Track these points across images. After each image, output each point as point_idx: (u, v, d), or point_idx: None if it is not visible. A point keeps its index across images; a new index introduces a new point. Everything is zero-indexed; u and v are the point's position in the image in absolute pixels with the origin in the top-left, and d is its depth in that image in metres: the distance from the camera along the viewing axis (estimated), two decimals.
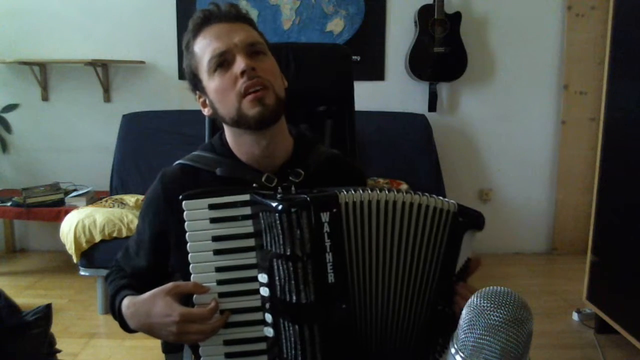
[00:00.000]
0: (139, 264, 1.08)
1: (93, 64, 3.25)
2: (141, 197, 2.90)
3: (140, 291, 0.97)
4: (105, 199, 2.89)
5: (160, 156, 3.09)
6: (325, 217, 0.84)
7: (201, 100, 1.05)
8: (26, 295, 2.83)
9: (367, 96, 3.16)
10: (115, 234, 2.48)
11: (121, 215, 2.54)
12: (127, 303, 0.96)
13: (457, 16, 3.28)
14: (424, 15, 3.27)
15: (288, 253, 0.83)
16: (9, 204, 2.97)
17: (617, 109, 2.24)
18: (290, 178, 1.01)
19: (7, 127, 3.46)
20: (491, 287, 0.68)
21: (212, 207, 0.89)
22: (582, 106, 3.45)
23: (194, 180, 1.02)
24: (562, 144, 3.51)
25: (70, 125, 3.46)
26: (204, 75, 0.99)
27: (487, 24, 3.43)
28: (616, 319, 2.21)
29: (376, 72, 3.45)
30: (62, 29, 3.37)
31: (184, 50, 1.03)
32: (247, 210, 0.89)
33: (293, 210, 0.83)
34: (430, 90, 3.42)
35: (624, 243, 2.17)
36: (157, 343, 1.14)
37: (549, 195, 3.60)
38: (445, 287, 0.91)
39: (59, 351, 1.70)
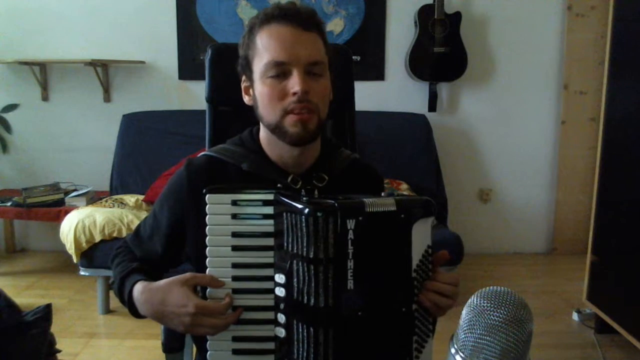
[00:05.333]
0: (152, 249, 1.08)
1: (93, 64, 3.25)
2: (141, 197, 2.90)
3: (149, 276, 0.97)
4: (105, 199, 2.89)
5: (160, 156, 3.09)
6: (350, 224, 0.84)
7: (245, 85, 1.04)
8: (26, 295, 2.83)
9: (367, 96, 3.15)
10: (115, 234, 2.48)
11: (121, 215, 2.54)
12: (141, 288, 0.95)
13: (457, 16, 3.28)
14: (424, 15, 3.27)
15: (311, 256, 0.84)
16: (9, 204, 2.96)
17: (617, 109, 2.24)
18: (314, 182, 1.02)
19: (7, 127, 3.46)
20: (491, 287, 0.68)
21: (234, 203, 0.90)
22: (582, 106, 3.45)
23: (220, 172, 1.02)
24: (562, 144, 3.51)
25: (70, 125, 3.46)
26: (257, 71, 0.98)
27: (487, 24, 3.43)
28: (616, 319, 2.21)
29: (376, 72, 3.44)
30: (62, 29, 3.36)
31: (245, 30, 1.01)
32: (269, 210, 0.90)
33: (320, 214, 0.83)
34: (430, 90, 3.42)
35: (624, 243, 2.17)
36: (157, 343, 1.14)
37: (549, 195, 3.60)
38: (404, 287, 0.91)
39: (59, 351, 1.70)
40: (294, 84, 0.93)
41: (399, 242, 0.89)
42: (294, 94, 0.93)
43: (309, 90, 0.94)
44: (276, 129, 0.97)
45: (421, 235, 0.90)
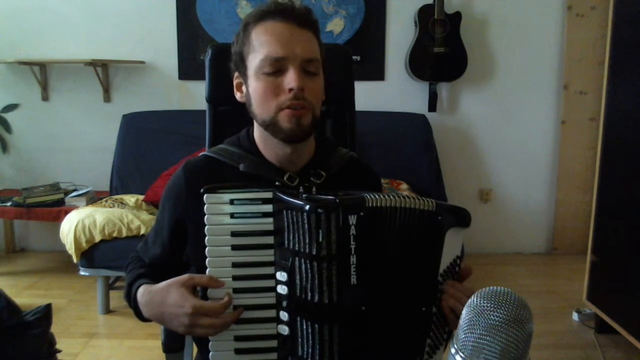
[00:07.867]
0: (156, 252, 1.09)
1: (93, 64, 3.25)
2: (141, 197, 2.90)
3: (157, 281, 0.98)
4: (105, 199, 2.89)
5: (160, 156, 3.08)
6: (352, 219, 0.84)
7: (237, 81, 1.04)
8: (26, 295, 2.83)
9: (367, 96, 3.16)
10: (115, 234, 2.48)
11: (121, 215, 2.54)
12: (142, 291, 0.96)
13: (457, 16, 3.28)
14: (424, 15, 3.27)
15: (313, 253, 0.84)
16: (9, 204, 2.97)
17: (617, 109, 2.24)
18: (312, 179, 1.02)
19: (7, 127, 3.46)
20: (491, 287, 0.68)
21: (233, 202, 0.90)
22: (582, 106, 3.45)
23: (217, 172, 1.02)
24: (562, 144, 3.51)
25: (70, 125, 3.46)
26: (251, 67, 0.97)
27: (487, 24, 3.43)
28: (616, 319, 2.21)
29: (376, 72, 3.44)
30: (62, 29, 3.37)
31: (240, 28, 1.00)
32: (268, 208, 0.90)
33: (321, 211, 0.83)
34: (430, 90, 3.42)
35: (624, 243, 2.17)
36: (157, 343, 1.14)
37: (549, 195, 3.60)
38: (428, 287, 0.91)
39: (59, 351, 1.70)
40: (290, 80, 0.93)
41: (429, 242, 0.90)
42: (290, 90, 0.93)
43: (304, 88, 0.94)
44: (270, 125, 0.97)
45: (453, 242, 0.91)
